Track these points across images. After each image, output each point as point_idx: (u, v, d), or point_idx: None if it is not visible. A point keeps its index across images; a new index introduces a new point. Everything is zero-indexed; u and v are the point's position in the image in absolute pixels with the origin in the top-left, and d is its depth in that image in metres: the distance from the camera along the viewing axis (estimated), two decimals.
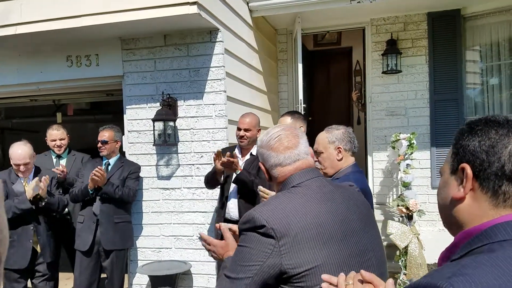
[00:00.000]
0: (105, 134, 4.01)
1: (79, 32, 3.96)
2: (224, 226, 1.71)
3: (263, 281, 1.30)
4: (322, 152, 2.54)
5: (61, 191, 4.06)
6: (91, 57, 4.40)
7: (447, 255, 0.95)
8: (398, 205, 4.50)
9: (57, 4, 3.80)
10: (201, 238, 1.75)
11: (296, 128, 1.61)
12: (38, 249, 3.82)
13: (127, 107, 4.38)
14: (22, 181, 3.75)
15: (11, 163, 3.75)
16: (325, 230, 1.33)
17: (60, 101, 6.01)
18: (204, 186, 3.90)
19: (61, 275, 4.35)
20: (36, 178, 3.68)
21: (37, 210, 3.74)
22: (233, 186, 3.66)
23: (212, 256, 1.68)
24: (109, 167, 4.02)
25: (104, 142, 4.00)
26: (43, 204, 3.71)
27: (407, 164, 4.67)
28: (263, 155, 1.55)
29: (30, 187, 3.67)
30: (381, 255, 1.49)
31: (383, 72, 5.46)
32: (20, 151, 3.70)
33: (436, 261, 0.97)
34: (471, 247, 0.87)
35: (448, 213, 0.97)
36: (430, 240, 4.60)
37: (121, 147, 4.23)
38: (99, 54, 4.39)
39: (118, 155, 4.13)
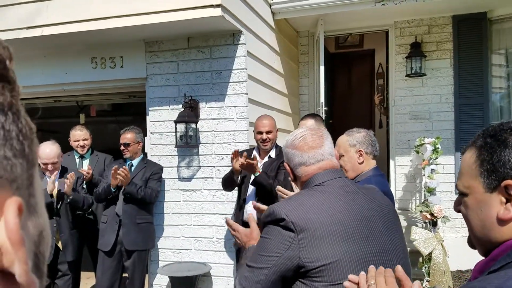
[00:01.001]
0: (126, 137, 4.05)
1: (104, 34, 4.01)
2: (250, 217, 1.76)
3: (281, 273, 1.33)
4: (343, 155, 2.53)
5: (86, 190, 4.11)
6: (116, 59, 4.45)
7: (484, 268, 0.91)
8: (421, 211, 4.42)
9: (82, 6, 3.86)
10: (227, 223, 1.81)
11: (320, 131, 1.59)
12: (60, 246, 3.87)
13: (150, 109, 4.41)
14: (48, 180, 3.82)
15: (39, 162, 3.82)
16: (344, 227, 1.35)
17: (83, 102, 6.10)
18: (223, 189, 3.90)
19: (82, 274, 4.40)
20: (58, 178, 3.75)
21: (60, 207, 3.79)
22: (251, 188, 3.65)
23: (236, 241, 1.74)
24: (132, 168, 4.05)
25: (126, 145, 4.03)
26: (68, 200, 3.77)
27: (431, 169, 4.58)
28: (288, 154, 1.56)
29: (50, 181, 3.73)
30: (404, 257, 1.47)
31: (407, 75, 5.38)
32: (48, 150, 3.77)
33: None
34: (510, 259, 0.83)
35: (489, 234, 0.91)
36: (453, 247, 4.50)
37: (143, 147, 4.26)
38: (124, 56, 4.43)
39: (141, 156, 4.16)
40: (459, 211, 0.99)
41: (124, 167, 3.82)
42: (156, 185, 4.05)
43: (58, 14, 3.93)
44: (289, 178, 1.60)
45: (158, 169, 4.14)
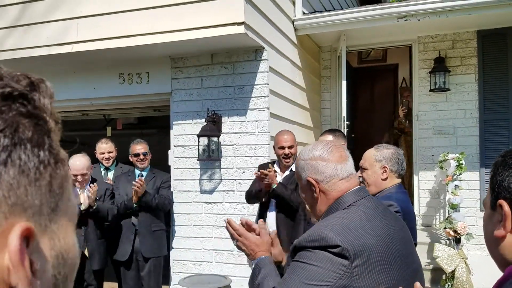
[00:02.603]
0: (142, 147, 4.21)
1: (131, 51, 4.15)
2: (261, 223, 1.62)
3: None
4: (367, 169, 2.50)
5: (114, 201, 4.22)
6: (142, 75, 4.59)
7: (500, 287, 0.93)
8: (445, 227, 4.35)
9: (111, 24, 4.01)
10: (228, 223, 1.60)
11: (340, 144, 1.59)
12: (87, 254, 3.97)
13: (174, 122, 4.52)
14: (79, 191, 3.95)
15: (70, 173, 3.95)
16: (390, 251, 1.30)
17: (110, 115, 6.27)
18: (245, 201, 3.93)
19: (105, 284, 4.48)
20: (89, 188, 3.88)
21: (87, 215, 3.92)
22: (272, 201, 3.66)
23: (239, 248, 1.56)
24: (143, 179, 4.17)
25: (145, 154, 4.19)
26: (93, 208, 3.89)
27: (455, 185, 4.51)
28: (317, 167, 1.43)
29: (85, 197, 3.87)
30: (423, 274, 1.49)
31: (431, 90, 5.35)
32: (78, 162, 3.93)
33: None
34: None
35: (494, 249, 0.94)
36: (478, 264, 4.40)
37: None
38: (150, 72, 4.57)
39: (149, 166, 4.31)
40: None
41: (139, 178, 3.97)
42: (168, 192, 4.23)
43: (88, 31, 4.09)
44: (311, 195, 1.44)
45: (168, 177, 4.33)
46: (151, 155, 4.30)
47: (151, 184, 4.15)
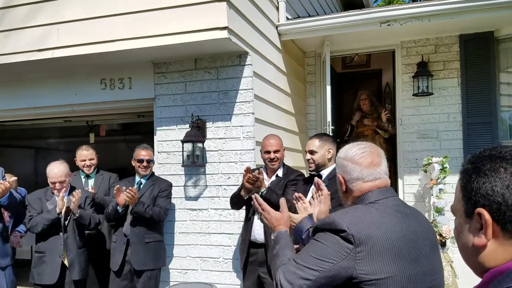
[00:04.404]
0: (147, 153, 4.07)
1: (113, 56, 4.10)
2: (282, 201, 1.88)
3: (331, 279, 1.39)
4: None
5: (93, 209, 4.13)
6: (124, 80, 4.53)
7: None
8: None
9: (92, 28, 3.95)
10: (255, 199, 1.88)
11: (378, 149, 1.66)
12: (67, 264, 3.87)
13: (157, 128, 4.46)
14: (57, 199, 3.85)
15: (48, 181, 3.88)
16: (399, 246, 1.41)
17: (93, 122, 6.18)
18: (231, 208, 3.90)
19: None
20: (64, 194, 3.80)
21: (68, 223, 3.83)
22: None
23: (262, 220, 1.83)
24: (141, 186, 4.07)
25: (150, 161, 4.06)
26: (75, 217, 3.80)
27: (439, 189, 4.54)
28: (346, 167, 1.61)
29: (60, 199, 3.77)
30: (442, 277, 1.57)
31: (414, 95, 5.39)
32: (56, 169, 3.85)
33: None
34: (501, 286, 0.83)
35: (472, 258, 0.91)
36: (463, 267, 4.41)
37: None
38: (132, 77, 4.51)
39: (150, 173, 4.19)
40: None
41: (130, 188, 3.81)
42: (165, 202, 4.03)
43: (69, 36, 4.03)
44: (340, 188, 1.64)
45: (167, 185, 4.12)
46: (154, 162, 4.21)
47: (148, 192, 4.01)
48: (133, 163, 4.10)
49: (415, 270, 1.42)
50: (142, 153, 4.06)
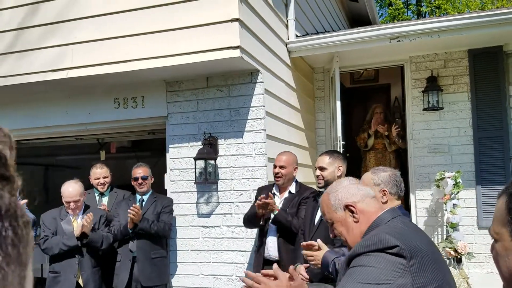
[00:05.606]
0: (142, 171, 4.14)
1: (126, 76, 4.15)
2: (275, 266, 1.73)
3: None
4: None
5: (108, 228, 4.15)
6: (137, 99, 4.58)
7: None
8: (445, 247, 4.33)
9: (106, 49, 4.01)
10: (243, 280, 1.65)
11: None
12: (81, 283, 3.88)
13: (170, 146, 4.49)
14: (72, 218, 3.88)
15: (63, 200, 3.91)
16: (435, 256, 1.47)
17: (104, 139, 6.22)
18: (245, 227, 3.89)
19: None
20: (84, 216, 3.80)
21: (81, 245, 3.84)
22: (271, 225, 3.63)
23: None
24: (143, 203, 4.11)
25: (145, 178, 4.12)
26: (87, 239, 3.81)
27: (453, 204, 4.51)
28: (350, 190, 1.66)
29: (78, 225, 3.79)
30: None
31: (424, 109, 5.39)
32: (71, 189, 3.87)
33: None
34: None
35: None
36: (478, 283, 4.38)
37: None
38: (145, 96, 4.56)
39: (151, 191, 4.24)
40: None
41: (134, 205, 3.87)
42: (168, 218, 4.09)
43: (83, 57, 4.09)
44: (352, 219, 1.63)
45: (169, 201, 4.20)
46: (152, 179, 4.24)
47: (152, 209, 4.06)
48: (132, 182, 4.19)
49: (448, 276, 1.48)
50: (138, 171, 4.14)
